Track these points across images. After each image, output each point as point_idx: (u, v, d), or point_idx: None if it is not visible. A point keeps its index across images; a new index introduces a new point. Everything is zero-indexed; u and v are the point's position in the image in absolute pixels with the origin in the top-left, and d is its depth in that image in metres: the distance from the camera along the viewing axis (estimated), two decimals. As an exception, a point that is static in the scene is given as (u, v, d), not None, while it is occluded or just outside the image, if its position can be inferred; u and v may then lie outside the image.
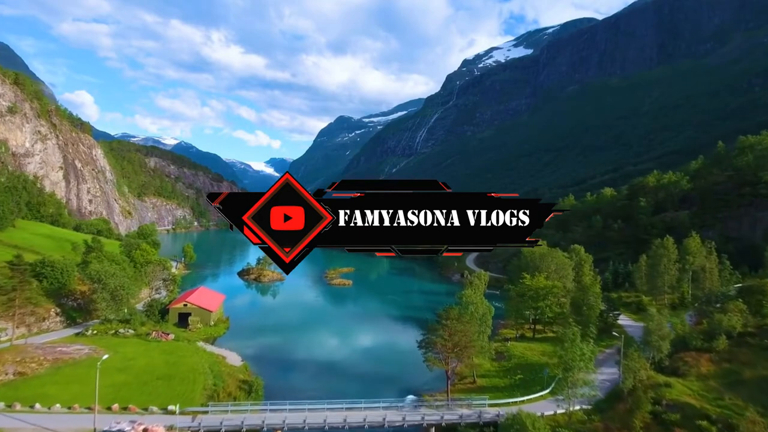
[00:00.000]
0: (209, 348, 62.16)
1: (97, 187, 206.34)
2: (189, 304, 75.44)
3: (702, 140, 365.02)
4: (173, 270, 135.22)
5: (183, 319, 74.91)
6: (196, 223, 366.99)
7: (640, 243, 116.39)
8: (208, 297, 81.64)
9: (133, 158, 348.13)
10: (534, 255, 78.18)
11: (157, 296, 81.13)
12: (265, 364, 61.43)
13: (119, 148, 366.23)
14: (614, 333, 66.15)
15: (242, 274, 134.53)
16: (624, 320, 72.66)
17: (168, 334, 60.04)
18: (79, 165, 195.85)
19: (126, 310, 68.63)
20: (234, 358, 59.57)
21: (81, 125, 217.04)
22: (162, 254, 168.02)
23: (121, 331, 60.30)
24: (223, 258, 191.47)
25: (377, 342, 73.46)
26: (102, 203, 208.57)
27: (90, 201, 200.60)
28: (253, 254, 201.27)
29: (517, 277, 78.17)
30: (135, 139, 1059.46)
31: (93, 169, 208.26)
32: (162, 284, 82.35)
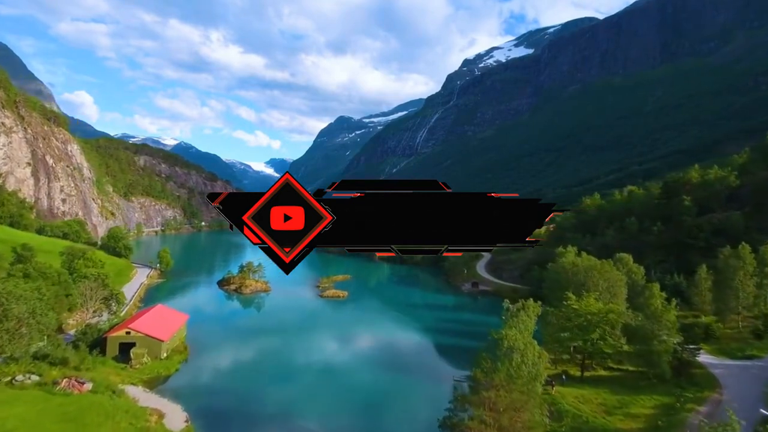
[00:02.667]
0: (145, 399, 45.25)
1: (72, 185, 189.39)
2: (132, 332, 58.51)
3: (707, 139, 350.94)
4: (143, 279, 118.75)
5: (126, 351, 58.09)
6: (187, 224, 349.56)
7: (684, 249, 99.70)
8: (161, 320, 64.64)
9: (121, 156, 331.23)
10: (577, 268, 61.14)
11: (98, 319, 64.22)
12: (222, 420, 44.63)
13: (107, 145, 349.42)
14: (680, 382, 50.06)
15: (222, 283, 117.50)
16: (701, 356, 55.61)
17: (83, 383, 43.05)
18: (50, 161, 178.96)
19: (44, 343, 51.79)
20: (175, 417, 42.65)
21: (55, 118, 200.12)
22: (141, 258, 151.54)
23: (20, 378, 43.34)
24: (209, 263, 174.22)
25: (375, 383, 56.42)
26: (78, 203, 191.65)
27: (63, 200, 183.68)
28: (244, 258, 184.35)
29: (555, 295, 61.28)
30: (134, 139, 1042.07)
31: (67, 166, 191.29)
32: (104, 305, 65.04)
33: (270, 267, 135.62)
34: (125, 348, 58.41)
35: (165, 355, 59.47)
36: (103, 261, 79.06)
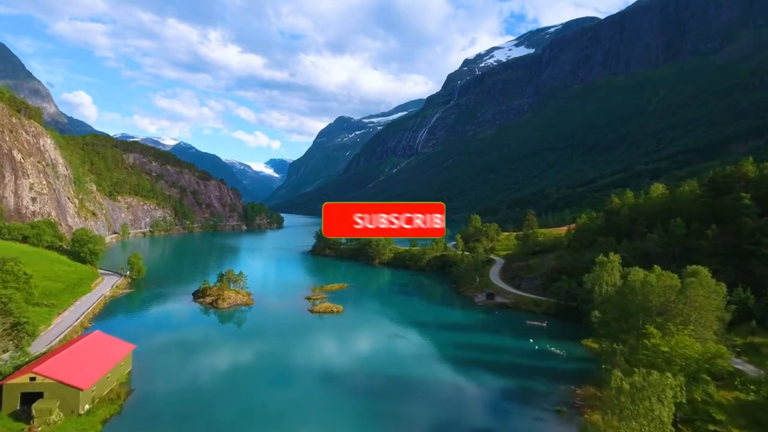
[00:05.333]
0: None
1: (44, 183, 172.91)
2: (39, 377, 42.26)
3: (713, 138, 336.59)
4: (106, 290, 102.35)
5: (32, 403, 41.88)
6: (178, 225, 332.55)
7: (745, 256, 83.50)
8: (90, 356, 48.38)
9: (107, 153, 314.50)
10: (650, 287, 44.69)
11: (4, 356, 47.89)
12: None
13: (94, 142, 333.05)
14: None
15: (198, 295, 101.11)
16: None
17: None
18: (18, 156, 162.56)
19: None
20: None
21: (26, 109, 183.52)
22: (122, 263, 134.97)
23: None
24: (193, 269, 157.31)
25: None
26: (50, 202, 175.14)
27: (33, 199, 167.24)
28: (236, 262, 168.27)
29: (618, 325, 44.96)
30: (133, 139, 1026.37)
31: (39, 162, 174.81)
32: (8, 337, 48.60)
33: (253, 276, 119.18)
34: (31, 399, 42.31)
35: (86, 407, 43.27)
36: (30, 274, 62.65)
